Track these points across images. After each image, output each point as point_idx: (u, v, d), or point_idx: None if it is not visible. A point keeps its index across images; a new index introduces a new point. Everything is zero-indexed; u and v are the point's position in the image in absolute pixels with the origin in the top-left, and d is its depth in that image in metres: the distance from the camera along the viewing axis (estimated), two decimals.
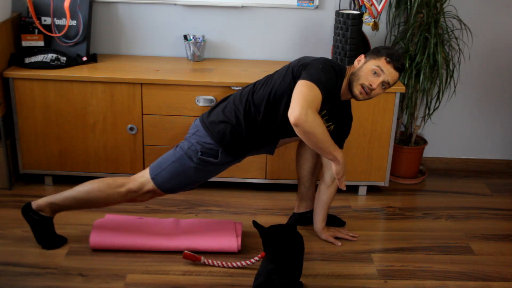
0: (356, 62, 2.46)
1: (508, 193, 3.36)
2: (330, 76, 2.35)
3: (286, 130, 2.44)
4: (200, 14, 3.29)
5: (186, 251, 2.49)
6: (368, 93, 2.39)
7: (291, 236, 2.39)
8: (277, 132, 2.51)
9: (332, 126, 2.55)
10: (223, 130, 2.44)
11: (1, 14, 2.98)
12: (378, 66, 2.37)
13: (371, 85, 2.37)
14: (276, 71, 2.51)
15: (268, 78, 2.50)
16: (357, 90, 2.40)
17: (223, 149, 2.45)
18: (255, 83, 2.52)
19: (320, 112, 2.40)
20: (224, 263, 2.49)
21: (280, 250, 2.27)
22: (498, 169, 3.67)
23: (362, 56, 2.45)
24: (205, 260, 2.50)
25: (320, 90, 2.27)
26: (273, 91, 2.41)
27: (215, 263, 2.49)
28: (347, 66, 2.50)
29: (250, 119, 2.44)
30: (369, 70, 2.38)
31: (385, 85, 2.40)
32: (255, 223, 2.48)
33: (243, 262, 2.49)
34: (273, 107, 2.42)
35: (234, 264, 2.49)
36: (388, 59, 2.37)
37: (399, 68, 2.39)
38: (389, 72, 2.38)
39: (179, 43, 3.33)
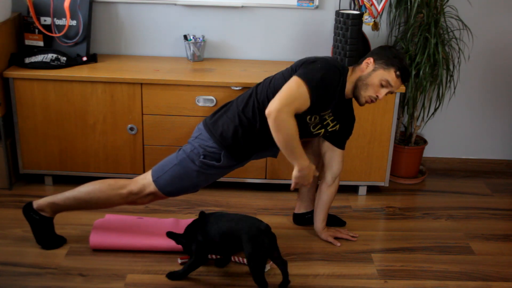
0: (364, 64, 2.43)
1: (508, 193, 3.36)
2: (330, 75, 2.36)
3: None
4: (200, 14, 3.29)
5: (180, 259, 2.52)
6: (374, 101, 2.46)
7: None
8: None
9: (338, 126, 2.55)
10: (226, 132, 2.44)
11: (1, 14, 2.98)
12: (387, 81, 2.39)
13: (377, 96, 2.42)
14: (279, 72, 2.51)
15: (270, 78, 2.50)
16: (363, 99, 2.44)
17: (226, 152, 2.45)
18: (257, 85, 2.52)
19: (324, 112, 2.43)
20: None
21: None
22: (498, 169, 3.67)
23: (371, 59, 2.42)
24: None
25: (308, 88, 2.29)
26: (275, 90, 2.41)
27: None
28: (350, 67, 2.50)
29: (252, 120, 2.44)
30: (378, 82, 2.40)
31: (389, 93, 2.46)
32: (169, 234, 2.43)
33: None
34: None
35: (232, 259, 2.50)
36: (398, 73, 2.39)
37: (407, 80, 2.46)
38: (396, 85, 2.43)
39: (179, 43, 3.33)
